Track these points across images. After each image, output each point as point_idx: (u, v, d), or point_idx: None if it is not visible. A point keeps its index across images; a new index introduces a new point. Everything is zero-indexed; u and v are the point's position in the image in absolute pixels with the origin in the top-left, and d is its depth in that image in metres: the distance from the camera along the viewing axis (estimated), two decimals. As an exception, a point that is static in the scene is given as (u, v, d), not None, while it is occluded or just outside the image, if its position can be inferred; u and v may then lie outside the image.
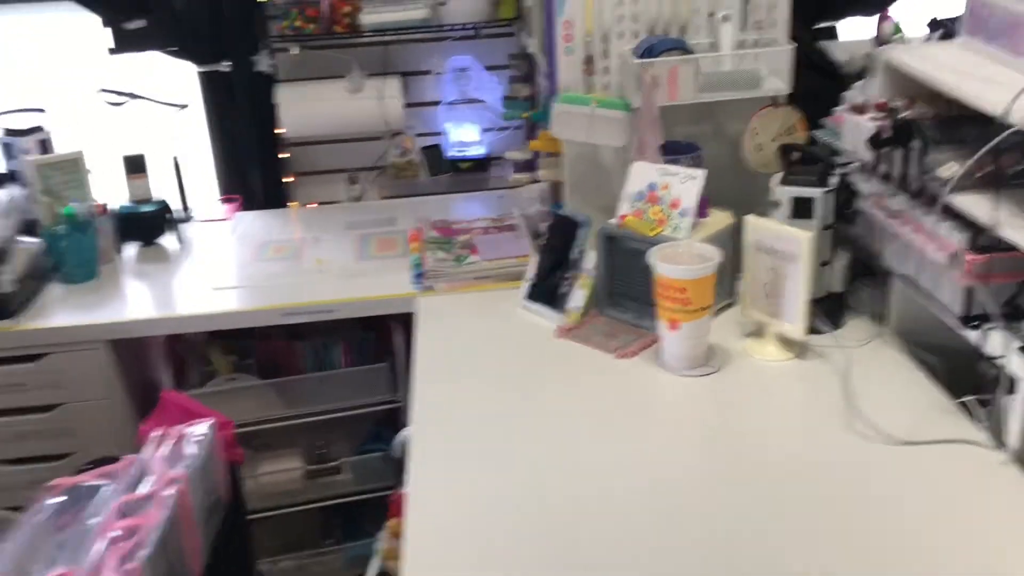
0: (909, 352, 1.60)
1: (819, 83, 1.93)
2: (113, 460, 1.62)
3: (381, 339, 2.16)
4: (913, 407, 1.46)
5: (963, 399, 1.42)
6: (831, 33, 2.50)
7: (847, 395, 1.48)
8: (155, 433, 1.57)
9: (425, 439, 1.48)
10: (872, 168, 1.52)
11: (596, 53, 1.77)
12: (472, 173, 2.68)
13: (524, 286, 1.87)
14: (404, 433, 1.74)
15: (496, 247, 2.05)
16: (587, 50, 1.77)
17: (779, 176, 1.68)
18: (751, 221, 1.62)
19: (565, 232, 1.83)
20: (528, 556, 1.22)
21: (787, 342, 1.63)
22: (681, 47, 1.68)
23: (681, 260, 1.58)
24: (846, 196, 1.65)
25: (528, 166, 2.53)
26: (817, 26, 2.45)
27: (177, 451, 1.53)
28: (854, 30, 2.52)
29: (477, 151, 2.68)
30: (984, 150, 1.26)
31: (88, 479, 1.54)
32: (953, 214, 1.38)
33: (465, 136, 2.68)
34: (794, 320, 1.60)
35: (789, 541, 1.21)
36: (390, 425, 2.23)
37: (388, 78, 2.49)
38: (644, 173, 1.72)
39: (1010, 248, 1.30)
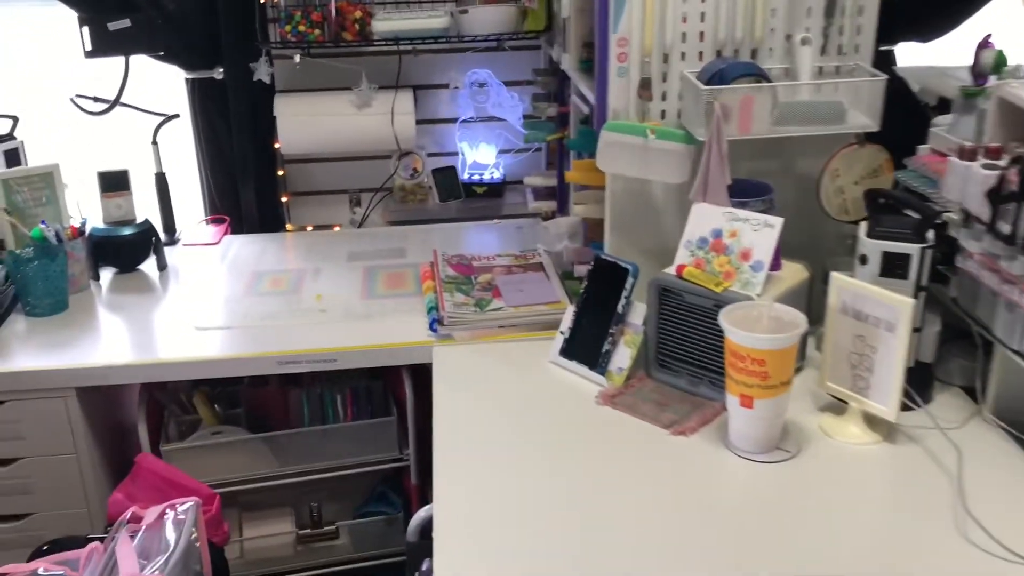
0: (1012, 436, 1.38)
1: (895, 117, 1.70)
2: (78, 542, 1.37)
3: (389, 387, 1.91)
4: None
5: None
6: (889, 59, 2.28)
7: (956, 493, 1.25)
8: (128, 512, 1.32)
9: (451, 527, 1.23)
10: (989, 224, 1.29)
11: (654, 75, 1.53)
12: (486, 199, 2.44)
13: (558, 339, 1.63)
14: (422, 514, 1.49)
15: (522, 291, 1.80)
16: (643, 72, 1.53)
17: (865, 226, 1.45)
18: (838, 280, 1.39)
19: (608, 280, 1.59)
20: None
21: (873, 421, 1.40)
22: (756, 73, 1.45)
23: (757, 325, 1.34)
24: (943, 253, 1.43)
25: (551, 194, 2.30)
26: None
27: (153, 538, 1.27)
28: (915, 55, 2.31)
29: (493, 175, 2.44)
30: None
31: (45, 567, 1.29)
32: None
33: (480, 158, 2.44)
34: (885, 399, 1.36)
35: None
36: (395, 484, 1.98)
37: (400, 92, 2.25)
38: (708, 217, 1.49)
39: None
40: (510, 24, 2.18)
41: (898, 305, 1.32)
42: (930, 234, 1.41)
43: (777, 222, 1.43)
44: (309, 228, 2.43)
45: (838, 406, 1.44)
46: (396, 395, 1.90)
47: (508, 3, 2.16)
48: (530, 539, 1.21)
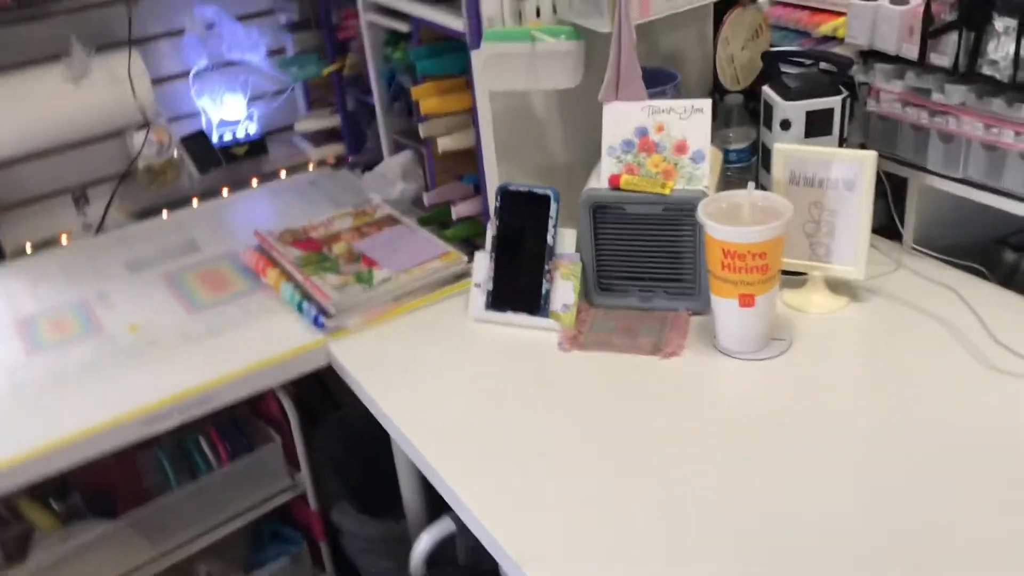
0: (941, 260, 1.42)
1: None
2: None
3: (258, 409, 1.57)
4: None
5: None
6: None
7: (951, 328, 1.26)
8: None
9: (521, 537, 1.02)
10: (918, 60, 1.27)
11: (525, -32, 1.32)
12: (249, 159, 2.07)
13: (475, 293, 1.42)
14: (427, 541, 1.24)
15: (397, 251, 1.54)
16: (515, -34, 1.31)
17: (772, 91, 1.39)
18: (784, 151, 1.32)
19: (521, 212, 1.39)
20: None
21: (834, 286, 1.37)
22: (647, -55, 1.30)
23: (740, 216, 1.24)
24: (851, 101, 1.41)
25: (332, 136, 2.00)
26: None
27: None
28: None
29: (247, 129, 2.07)
30: None
31: None
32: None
33: (228, 113, 2.05)
34: (851, 259, 1.33)
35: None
36: (284, 516, 1.67)
37: (125, 50, 1.79)
38: (625, 116, 1.33)
39: None
40: (242, -55, 1.80)
41: (859, 160, 1.28)
42: (840, 85, 1.38)
43: (705, 104, 1.31)
44: (27, 246, 1.90)
45: (793, 280, 1.39)
46: (266, 415, 1.57)
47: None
48: (605, 512, 1.04)
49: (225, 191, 2.02)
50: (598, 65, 1.32)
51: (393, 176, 1.69)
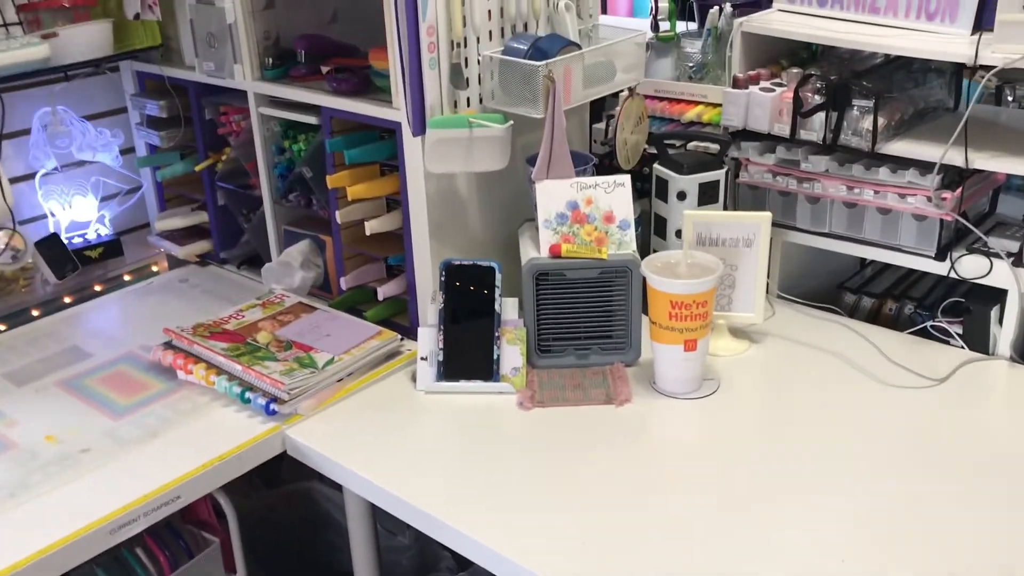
0: (804, 304, 1.68)
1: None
2: None
3: (189, 512, 1.49)
4: (898, 348, 1.53)
5: (935, 323, 1.55)
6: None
7: (844, 357, 1.50)
8: None
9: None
10: (790, 136, 1.53)
11: (464, 61, 1.44)
12: (104, 261, 1.97)
13: (423, 367, 1.47)
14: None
15: (329, 335, 1.55)
16: (453, 58, 1.42)
17: (665, 168, 1.60)
18: (692, 216, 1.51)
19: (465, 285, 1.47)
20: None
21: (737, 332, 1.58)
22: (570, 43, 1.46)
23: (679, 273, 1.41)
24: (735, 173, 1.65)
25: (198, 233, 1.97)
26: None
27: None
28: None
29: (98, 231, 1.97)
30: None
31: None
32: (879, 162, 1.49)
33: (78, 215, 1.94)
34: (750, 307, 1.55)
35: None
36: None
37: (-18, 151, 1.67)
38: (556, 192, 1.47)
39: (960, 178, 1.46)
40: (109, 44, 1.76)
41: (757, 221, 1.50)
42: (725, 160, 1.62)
43: (626, 179, 1.49)
44: None
45: (700, 329, 1.58)
46: (195, 518, 1.49)
47: (103, 18, 1.74)
48: (614, 535, 1.13)
49: (88, 296, 1.91)
50: (515, 149, 1.46)
51: (293, 265, 1.71)
